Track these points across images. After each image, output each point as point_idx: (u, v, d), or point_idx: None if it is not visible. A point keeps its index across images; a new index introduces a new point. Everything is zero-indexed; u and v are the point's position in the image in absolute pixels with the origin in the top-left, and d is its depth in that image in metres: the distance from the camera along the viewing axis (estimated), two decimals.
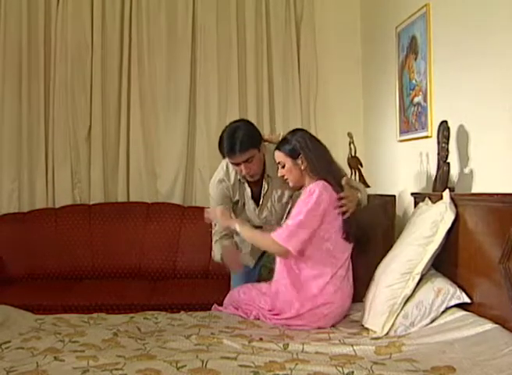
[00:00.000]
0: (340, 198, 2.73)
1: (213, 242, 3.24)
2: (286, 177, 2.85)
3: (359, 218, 2.81)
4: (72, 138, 4.65)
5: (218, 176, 3.19)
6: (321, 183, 2.72)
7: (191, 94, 4.70)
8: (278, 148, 2.85)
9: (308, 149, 2.77)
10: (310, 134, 2.92)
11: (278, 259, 2.84)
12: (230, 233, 3.18)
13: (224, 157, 3.04)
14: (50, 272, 4.32)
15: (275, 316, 2.80)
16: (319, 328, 2.71)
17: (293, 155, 2.79)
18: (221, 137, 3.00)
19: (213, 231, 3.23)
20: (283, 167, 2.83)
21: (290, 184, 2.87)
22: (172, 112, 4.70)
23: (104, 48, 4.66)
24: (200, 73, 4.70)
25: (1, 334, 2.52)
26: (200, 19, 4.68)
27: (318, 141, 2.90)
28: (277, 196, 3.15)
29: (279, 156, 2.84)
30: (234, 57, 4.69)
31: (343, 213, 2.74)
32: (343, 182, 2.80)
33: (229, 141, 2.93)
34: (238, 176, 3.12)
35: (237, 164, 2.99)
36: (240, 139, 2.91)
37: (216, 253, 3.21)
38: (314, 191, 2.68)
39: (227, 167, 3.15)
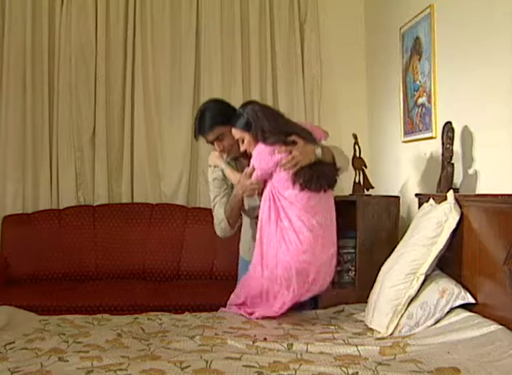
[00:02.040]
0: (289, 153, 2.79)
1: (213, 211, 3.20)
2: (248, 151, 2.91)
3: (319, 169, 2.84)
4: (77, 139, 4.66)
5: (213, 161, 3.21)
6: (263, 145, 2.81)
7: (195, 95, 4.71)
8: (233, 125, 2.90)
9: (259, 120, 2.83)
10: (260, 104, 3.00)
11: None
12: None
13: (196, 139, 3.19)
14: (54, 273, 4.32)
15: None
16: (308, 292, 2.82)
17: (249, 128, 2.85)
18: (194, 119, 3.12)
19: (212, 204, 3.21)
20: (243, 142, 2.90)
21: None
22: (176, 114, 4.70)
23: (108, 50, 4.67)
24: (204, 74, 4.70)
25: (6, 335, 2.52)
26: (203, 21, 4.69)
27: (270, 108, 3.02)
28: None
29: (236, 133, 2.90)
30: (238, 58, 4.70)
31: (291, 168, 2.78)
32: (293, 137, 2.83)
33: (198, 122, 3.05)
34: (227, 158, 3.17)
35: (211, 143, 3.08)
36: (206, 119, 3.02)
37: (218, 213, 3.15)
38: (261, 153, 2.81)
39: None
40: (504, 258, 2.21)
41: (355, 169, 3.69)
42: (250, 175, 2.88)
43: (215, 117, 3.02)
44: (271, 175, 2.83)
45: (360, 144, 3.70)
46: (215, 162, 3.12)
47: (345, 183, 3.91)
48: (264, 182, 2.89)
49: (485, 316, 2.32)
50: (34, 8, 4.60)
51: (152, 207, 4.57)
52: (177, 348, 2.33)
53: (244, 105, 2.96)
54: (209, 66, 4.69)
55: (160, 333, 2.61)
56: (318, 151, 2.85)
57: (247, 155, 2.99)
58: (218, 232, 3.17)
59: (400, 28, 3.85)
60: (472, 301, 2.44)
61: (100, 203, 4.63)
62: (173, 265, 4.38)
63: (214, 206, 3.16)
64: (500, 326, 2.19)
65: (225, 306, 3.12)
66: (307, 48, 4.76)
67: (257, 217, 2.97)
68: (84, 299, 3.83)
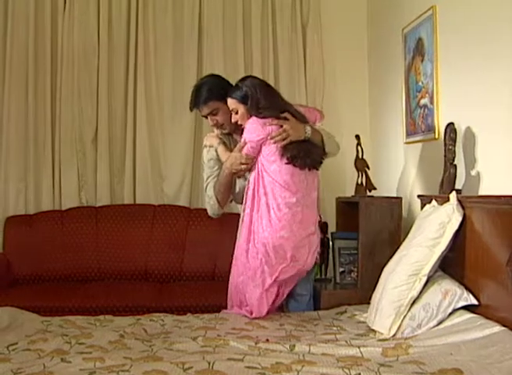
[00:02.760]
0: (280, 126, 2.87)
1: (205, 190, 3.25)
2: (240, 123, 2.98)
3: (306, 147, 2.94)
4: (79, 141, 4.66)
5: (209, 141, 3.26)
6: (257, 118, 2.90)
7: None
8: (230, 95, 2.97)
9: (256, 93, 2.91)
10: (259, 80, 3.08)
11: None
12: None
13: (191, 110, 3.27)
14: (56, 274, 4.32)
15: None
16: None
17: (245, 101, 2.93)
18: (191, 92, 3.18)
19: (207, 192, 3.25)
20: (236, 113, 2.97)
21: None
22: (178, 115, 4.70)
23: (111, 52, 4.67)
24: None
25: (8, 336, 2.52)
26: (206, 23, 4.69)
27: (269, 85, 3.08)
28: None
29: (232, 103, 2.97)
30: (240, 60, 4.69)
31: (281, 141, 2.87)
32: (285, 114, 2.92)
33: (194, 95, 3.11)
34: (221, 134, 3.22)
35: (205, 117, 3.16)
36: (202, 93, 3.08)
37: (208, 190, 3.20)
38: (253, 124, 2.91)
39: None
40: (507, 259, 2.21)
41: (358, 171, 3.69)
42: (242, 149, 2.93)
43: (211, 91, 3.08)
44: (260, 149, 2.91)
45: (362, 145, 3.70)
46: (210, 141, 3.17)
47: (347, 185, 3.92)
48: (254, 163, 2.96)
49: (487, 318, 2.32)
50: (37, 11, 4.59)
51: (154, 208, 4.57)
52: (180, 349, 2.34)
53: (243, 79, 3.05)
54: (211, 68, 4.68)
55: (162, 335, 2.61)
56: (308, 129, 2.95)
57: (240, 132, 3.05)
58: (208, 210, 3.24)
59: (403, 29, 3.85)
60: (475, 302, 2.44)
61: (102, 204, 4.63)
62: (176, 266, 4.38)
63: (206, 185, 3.22)
64: (503, 328, 2.19)
65: (226, 308, 3.13)
66: (310, 49, 4.76)
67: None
68: (87, 300, 3.83)
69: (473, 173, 2.88)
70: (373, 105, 4.69)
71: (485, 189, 2.77)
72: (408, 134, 3.81)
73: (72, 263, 4.35)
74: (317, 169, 3.04)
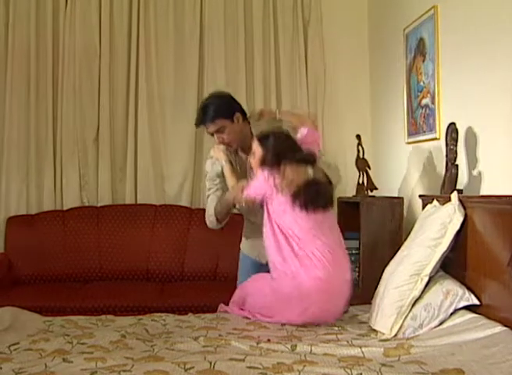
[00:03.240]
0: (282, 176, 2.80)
1: (207, 203, 3.25)
2: (253, 165, 2.94)
3: (314, 188, 2.83)
4: (80, 140, 4.67)
5: (216, 154, 3.22)
6: (261, 172, 2.84)
7: (199, 96, 4.70)
8: (258, 138, 2.92)
9: (274, 144, 2.85)
10: (287, 135, 2.95)
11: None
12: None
13: (196, 127, 3.24)
14: (58, 274, 4.33)
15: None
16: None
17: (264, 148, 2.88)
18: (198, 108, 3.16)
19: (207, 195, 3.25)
20: (253, 154, 2.92)
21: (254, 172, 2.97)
22: (179, 114, 4.71)
23: (112, 51, 4.68)
24: (207, 75, 4.70)
25: (10, 336, 2.52)
26: (207, 23, 4.69)
27: (291, 142, 2.93)
28: None
29: (255, 146, 2.91)
30: (242, 60, 4.70)
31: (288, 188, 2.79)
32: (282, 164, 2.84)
33: (201, 112, 3.07)
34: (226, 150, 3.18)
35: (211, 135, 3.11)
36: (209, 110, 3.03)
37: (209, 207, 3.20)
38: (257, 179, 2.86)
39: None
40: (508, 259, 2.21)
41: (359, 171, 3.70)
42: (243, 189, 2.90)
43: (218, 109, 3.04)
44: (268, 200, 2.83)
45: (363, 145, 3.70)
46: (217, 155, 3.13)
47: (348, 185, 3.92)
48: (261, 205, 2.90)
49: (489, 318, 2.31)
50: (38, 10, 4.60)
51: (156, 208, 4.58)
52: (181, 349, 2.33)
53: (276, 132, 2.96)
54: (213, 68, 4.69)
55: (164, 335, 2.61)
56: (310, 170, 2.86)
57: (246, 150, 3.04)
58: (207, 223, 3.24)
59: (404, 29, 3.85)
60: (476, 302, 2.43)
61: (104, 204, 4.63)
62: (177, 266, 4.38)
63: (208, 197, 3.21)
64: (505, 328, 2.19)
65: (226, 304, 3.13)
66: (311, 49, 4.76)
67: (248, 218, 3.17)
68: (88, 300, 3.83)
69: (474, 172, 2.88)
70: (374, 105, 4.69)
71: (487, 189, 2.77)
72: (410, 134, 3.80)
73: (73, 263, 4.35)
74: (332, 207, 2.94)
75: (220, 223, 3.21)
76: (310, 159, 2.90)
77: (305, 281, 2.69)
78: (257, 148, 2.90)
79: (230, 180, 3.05)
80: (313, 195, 2.81)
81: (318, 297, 2.68)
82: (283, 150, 2.86)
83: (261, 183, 2.84)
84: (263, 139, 2.90)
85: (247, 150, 3.04)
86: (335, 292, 2.74)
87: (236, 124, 3.06)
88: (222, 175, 3.14)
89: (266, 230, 2.87)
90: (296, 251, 2.75)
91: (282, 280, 2.77)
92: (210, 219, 3.21)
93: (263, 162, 2.87)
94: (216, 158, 3.14)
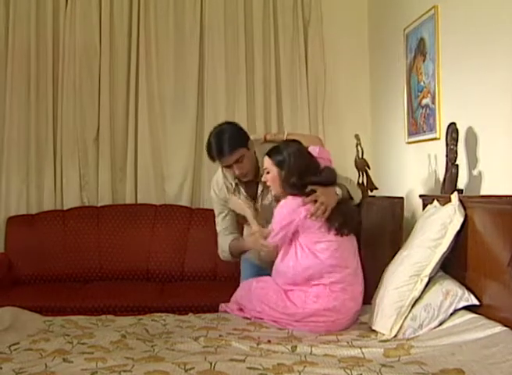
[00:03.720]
0: (314, 202, 2.73)
1: (218, 238, 3.27)
2: (268, 184, 2.87)
3: (345, 209, 2.81)
4: (81, 140, 4.66)
5: (217, 179, 3.21)
6: (289, 199, 2.76)
7: (199, 96, 4.71)
8: (269, 154, 2.86)
9: (290, 167, 2.78)
10: (301, 152, 2.88)
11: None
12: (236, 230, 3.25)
13: (214, 161, 3.05)
14: (58, 273, 4.33)
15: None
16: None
17: (281, 166, 2.80)
18: (209, 142, 3.01)
19: (218, 228, 3.26)
20: (268, 173, 2.86)
21: (273, 192, 2.90)
22: (179, 114, 4.71)
23: (113, 51, 4.67)
24: (208, 75, 4.70)
25: (10, 336, 2.53)
26: (207, 22, 4.69)
27: (307, 157, 2.87)
28: (272, 195, 3.11)
29: (268, 163, 2.85)
30: (242, 60, 4.69)
31: (322, 214, 2.73)
32: (309, 188, 2.77)
33: (217, 144, 2.95)
34: (234, 180, 3.14)
35: (229, 166, 3.00)
36: (227, 140, 2.93)
37: (223, 244, 3.23)
38: (283, 209, 2.76)
39: (223, 171, 3.17)
40: (508, 259, 2.21)
41: (358, 171, 3.70)
42: (266, 236, 2.83)
43: (234, 138, 2.96)
44: (294, 234, 2.77)
45: (364, 145, 3.70)
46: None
47: None
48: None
49: (489, 318, 2.32)
50: (38, 10, 4.60)
51: (156, 208, 4.57)
52: (181, 349, 2.34)
53: (287, 143, 2.92)
54: (213, 68, 4.69)
55: (164, 335, 2.61)
56: (339, 191, 2.83)
57: (256, 181, 3.05)
58: (221, 257, 3.31)
59: (404, 29, 3.85)
60: (476, 302, 2.43)
61: (104, 204, 4.63)
62: (177, 266, 4.38)
63: (217, 224, 3.24)
64: (505, 328, 2.19)
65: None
66: (311, 49, 4.76)
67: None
68: (88, 300, 3.83)
69: (475, 172, 2.88)
70: (374, 105, 4.69)
71: (487, 189, 2.76)
72: (410, 134, 3.80)
73: (73, 263, 4.35)
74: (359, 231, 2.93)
75: (235, 258, 3.26)
76: (334, 178, 2.87)
77: (317, 308, 2.71)
78: (270, 166, 2.83)
79: (254, 226, 2.97)
80: (349, 217, 2.79)
81: (324, 323, 2.71)
82: (305, 169, 2.80)
83: (289, 212, 2.74)
84: (277, 156, 2.82)
85: (255, 174, 3.03)
86: (343, 323, 2.75)
87: (250, 151, 3.02)
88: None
89: (288, 251, 2.82)
90: (319, 276, 2.73)
91: (297, 298, 2.77)
92: (224, 255, 3.25)
93: (285, 185, 2.79)
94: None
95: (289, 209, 2.75)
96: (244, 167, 3.00)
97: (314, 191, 2.75)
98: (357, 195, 3.02)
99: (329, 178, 2.85)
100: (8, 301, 3.39)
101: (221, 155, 2.95)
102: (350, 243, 2.83)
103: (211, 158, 3.03)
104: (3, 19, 4.59)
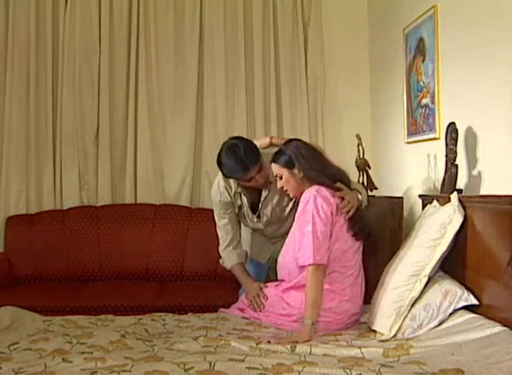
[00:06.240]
0: (341, 198, 2.74)
1: (221, 250, 3.29)
2: (285, 188, 2.85)
3: (363, 215, 2.82)
4: (80, 140, 4.66)
5: (219, 183, 3.17)
6: (313, 188, 2.72)
7: (198, 96, 4.71)
8: (274, 160, 2.84)
9: (303, 158, 2.77)
10: (304, 143, 2.91)
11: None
12: (239, 243, 3.27)
13: (229, 177, 3.03)
14: (57, 273, 4.32)
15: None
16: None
17: (289, 165, 2.79)
18: (221, 161, 2.96)
19: (220, 239, 3.28)
20: (281, 178, 2.84)
21: (291, 195, 2.88)
22: (179, 114, 4.70)
23: (112, 51, 4.67)
24: (207, 75, 4.70)
25: (10, 336, 2.53)
26: (207, 22, 4.68)
27: (313, 147, 2.91)
28: (275, 201, 3.13)
29: (276, 168, 2.84)
30: (241, 59, 4.69)
31: (347, 213, 2.73)
32: (338, 184, 2.78)
33: (238, 161, 2.89)
34: (237, 188, 3.12)
35: (250, 179, 2.96)
36: (248, 156, 2.89)
37: (226, 261, 3.26)
38: (310, 199, 2.69)
39: (224, 179, 3.15)
40: (508, 259, 2.21)
41: (359, 171, 3.69)
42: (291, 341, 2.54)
43: (251, 151, 2.92)
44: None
45: (363, 145, 3.70)
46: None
47: None
48: None
49: (488, 318, 2.32)
50: (38, 9, 4.59)
51: (156, 208, 4.57)
52: (181, 349, 2.34)
53: (287, 143, 2.90)
54: (212, 67, 4.69)
55: (164, 335, 2.61)
56: (360, 196, 2.84)
57: (257, 189, 3.06)
58: (221, 262, 3.35)
59: (404, 29, 3.85)
60: (475, 302, 2.44)
61: (103, 204, 4.62)
62: (177, 265, 4.38)
63: (219, 227, 3.27)
64: (504, 328, 2.19)
65: (226, 307, 3.13)
66: (311, 49, 4.75)
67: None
68: (88, 300, 3.83)
69: (474, 172, 2.88)
70: (374, 105, 4.69)
71: (487, 189, 2.76)
72: (409, 134, 3.80)
73: (73, 263, 4.35)
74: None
75: None
76: (347, 178, 2.88)
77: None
78: (279, 170, 2.82)
79: (314, 300, 2.69)
80: (364, 223, 2.79)
81: (322, 323, 2.69)
82: (315, 154, 2.82)
83: (323, 205, 2.67)
84: (281, 158, 2.81)
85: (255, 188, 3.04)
86: (341, 323, 2.74)
87: (262, 159, 3.00)
88: (231, 203, 3.15)
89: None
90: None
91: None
92: (224, 265, 3.30)
93: (307, 174, 2.75)
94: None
95: (322, 199, 2.69)
96: (264, 175, 2.99)
97: (340, 189, 2.75)
98: (365, 198, 3.01)
99: (342, 177, 2.86)
100: (7, 300, 3.39)
101: (246, 171, 2.90)
102: (359, 248, 2.82)
103: (227, 175, 3.00)
104: (3, 19, 4.59)
